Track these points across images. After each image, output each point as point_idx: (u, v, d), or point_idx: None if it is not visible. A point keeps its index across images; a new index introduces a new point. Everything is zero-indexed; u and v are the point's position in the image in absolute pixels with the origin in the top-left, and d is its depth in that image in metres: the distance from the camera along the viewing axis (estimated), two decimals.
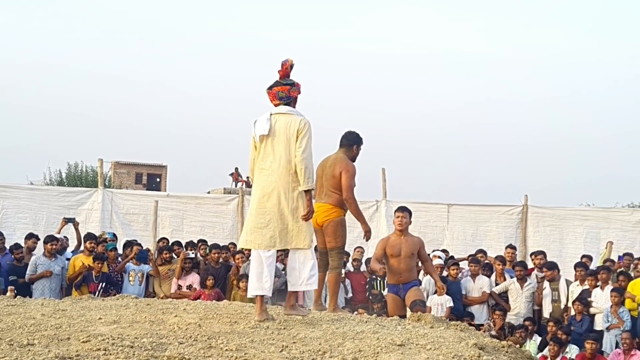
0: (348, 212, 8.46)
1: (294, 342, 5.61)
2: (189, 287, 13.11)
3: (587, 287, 12.76)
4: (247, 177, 54.59)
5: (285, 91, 6.93)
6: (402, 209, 9.77)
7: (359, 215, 8.41)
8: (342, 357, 5.11)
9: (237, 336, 5.70)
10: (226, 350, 5.14)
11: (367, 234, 8.47)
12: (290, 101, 6.98)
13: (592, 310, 12.46)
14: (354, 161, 8.57)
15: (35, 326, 5.74)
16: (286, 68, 6.95)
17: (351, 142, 8.59)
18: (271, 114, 6.88)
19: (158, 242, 15.29)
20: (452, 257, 15.05)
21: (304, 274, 6.93)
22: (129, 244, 14.19)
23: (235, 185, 50.68)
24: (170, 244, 14.66)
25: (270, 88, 6.95)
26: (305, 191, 6.78)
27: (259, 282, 6.76)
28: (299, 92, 7.06)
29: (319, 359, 5.08)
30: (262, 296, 6.73)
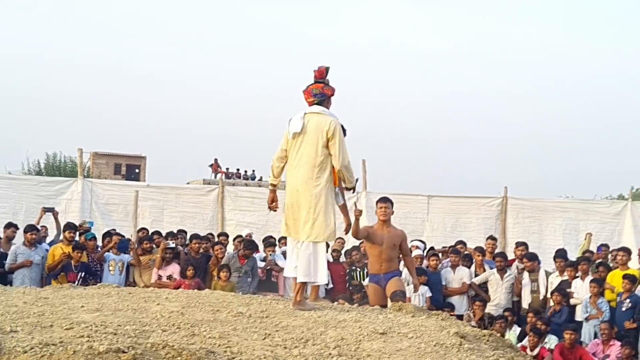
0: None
1: (276, 330, 5.62)
2: (169, 277, 13.08)
3: (566, 277, 12.84)
4: (227, 168, 54.58)
5: (319, 88, 7.34)
6: (385, 200, 9.77)
7: (342, 208, 8.40)
8: (324, 345, 5.13)
9: (219, 324, 5.71)
10: (209, 337, 5.14)
11: (348, 228, 8.42)
12: (324, 99, 7.38)
13: (572, 301, 12.54)
14: None
15: (18, 314, 5.71)
16: (322, 71, 7.41)
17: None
18: (305, 113, 7.29)
19: (138, 232, 15.25)
20: (432, 248, 15.11)
21: (320, 266, 7.32)
22: (108, 234, 14.15)
23: (215, 176, 50.62)
24: (150, 234, 14.64)
25: (306, 88, 7.39)
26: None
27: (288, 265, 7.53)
28: (333, 93, 7.46)
29: (301, 347, 5.09)
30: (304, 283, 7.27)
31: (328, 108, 7.45)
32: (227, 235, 15.12)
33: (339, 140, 7.25)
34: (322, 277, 7.41)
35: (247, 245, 13.67)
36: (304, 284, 7.34)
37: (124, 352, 4.24)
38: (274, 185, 7.69)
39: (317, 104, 7.37)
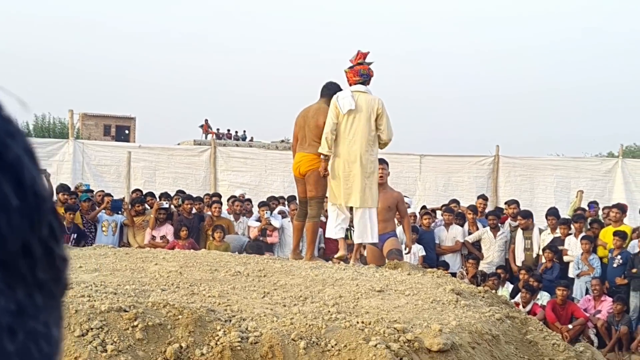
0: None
1: (275, 289, 5.66)
2: (163, 237, 13.13)
3: (558, 235, 12.93)
4: (218, 129, 54.41)
5: (366, 70, 8.13)
6: (381, 162, 9.79)
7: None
8: (323, 303, 5.17)
9: (218, 283, 5.74)
10: (209, 296, 5.18)
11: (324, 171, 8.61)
12: (368, 79, 8.18)
13: (566, 258, 12.64)
14: None
15: None
16: (366, 54, 8.14)
17: (331, 93, 8.58)
18: (352, 92, 8.04)
19: (132, 193, 15.26)
20: (424, 207, 15.17)
21: (374, 228, 8.39)
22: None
23: (206, 137, 50.41)
24: (143, 195, 14.66)
25: (351, 67, 8.11)
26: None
27: (342, 229, 8.50)
28: (373, 75, 8.27)
29: (300, 305, 5.13)
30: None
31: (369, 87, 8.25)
32: (219, 196, 15.14)
33: (386, 116, 8.14)
34: (375, 237, 8.52)
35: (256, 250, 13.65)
36: (360, 244, 8.66)
37: (125, 310, 4.27)
38: (327, 156, 8.21)
39: (361, 83, 8.12)
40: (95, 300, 4.59)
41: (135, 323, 4.19)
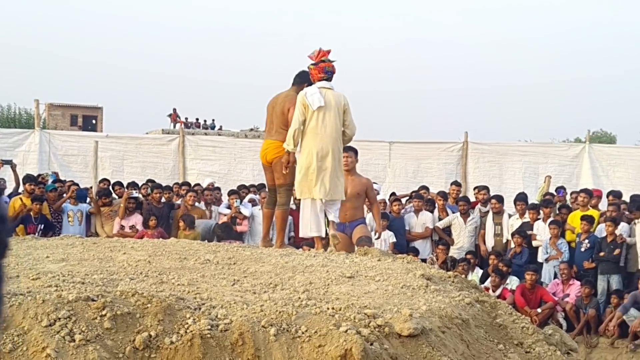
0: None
1: (245, 277, 5.63)
2: (132, 227, 13.04)
3: (527, 220, 13.02)
4: (186, 118, 54.12)
5: (330, 67, 8.28)
6: (347, 149, 9.76)
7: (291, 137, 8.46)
8: (293, 290, 5.15)
9: (187, 271, 5.70)
10: (178, 285, 5.14)
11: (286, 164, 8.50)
12: (331, 76, 8.31)
13: (535, 243, 12.74)
14: None
15: None
16: (329, 51, 8.27)
17: (303, 81, 8.60)
18: (319, 88, 8.15)
19: (99, 182, 15.13)
20: (393, 193, 15.18)
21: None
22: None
23: (174, 126, 50.16)
24: (111, 185, 14.56)
25: (315, 64, 8.22)
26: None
27: (317, 225, 8.40)
28: (336, 72, 8.42)
29: (270, 292, 5.10)
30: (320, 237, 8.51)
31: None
32: (189, 185, 15.07)
33: (350, 112, 8.41)
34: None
35: (224, 229, 13.66)
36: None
37: (93, 300, 4.23)
38: (292, 150, 8.27)
39: (325, 79, 8.23)
40: (62, 290, 4.54)
41: (104, 312, 4.15)
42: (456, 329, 4.82)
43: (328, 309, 4.52)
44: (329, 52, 8.32)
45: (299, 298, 4.84)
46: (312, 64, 8.30)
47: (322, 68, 8.26)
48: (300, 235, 9.00)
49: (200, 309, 4.45)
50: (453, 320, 4.87)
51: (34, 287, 4.73)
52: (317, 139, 8.21)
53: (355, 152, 9.81)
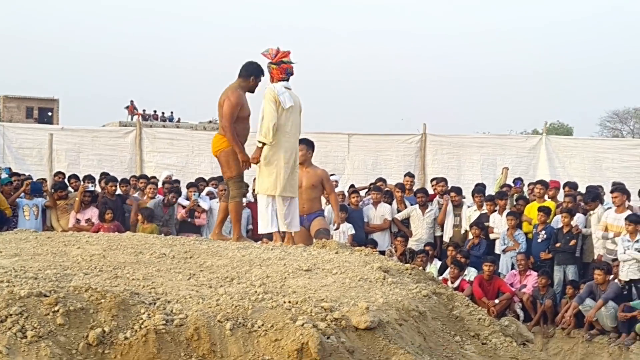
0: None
1: (201, 271, 5.59)
2: (88, 220, 12.90)
3: (485, 211, 13.10)
4: (144, 110, 53.72)
5: (291, 68, 8.45)
6: (301, 141, 9.74)
7: (235, 144, 8.43)
8: (250, 283, 5.12)
9: (143, 266, 5.64)
10: (133, 279, 5.08)
11: (245, 164, 8.51)
12: (289, 77, 8.47)
13: (492, 236, 12.81)
14: (252, 92, 8.62)
15: None
16: (285, 54, 8.39)
17: (249, 73, 8.54)
18: (285, 88, 8.37)
19: (54, 176, 14.95)
20: (352, 185, 15.17)
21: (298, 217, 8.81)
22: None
23: (132, 119, 49.79)
24: (66, 178, 14.39)
25: (278, 64, 8.35)
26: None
27: (283, 220, 8.51)
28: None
29: (227, 286, 5.06)
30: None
31: None
32: (147, 178, 14.93)
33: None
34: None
35: (172, 189, 13.67)
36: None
37: (45, 295, 4.16)
38: (265, 145, 8.32)
39: (285, 80, 8.40)
40: (14, 286, 4.46)
41: (56, 308, 4.08)
42: (413, 322, 4.82)
43: (284, 302, 4.50)
44: (289, 53, 8.43)
45: (256, 292, 4.81)
46: (273, 64, 8.37)
47: (285, 69, 8.40)
48: (259, 232, 9.03)
49: (155, 303, 4.40)
50: (410, 313, 4.87)
51: None
52: (287, 137, 8.40)
53: (310, 144, 9.80)
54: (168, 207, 13.41)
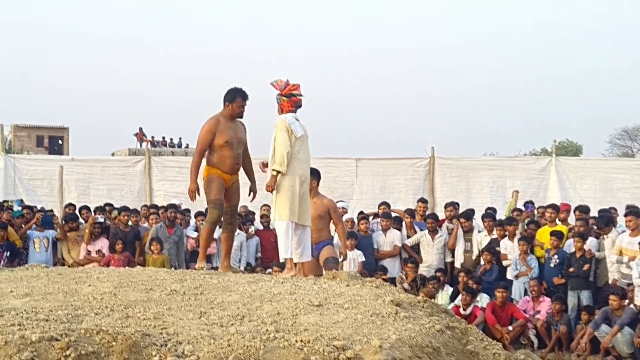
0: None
1: (211, 308, 5.55)
2: (99, 251, 12.91)
3: (495, 236, 13.03)
4: (152, 137, 53.85)
5: (301, 101, 8.71)
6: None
7: (190, 172, 8.82)
8: (261, 321, 5.08)
9: (154, 304, 5.61)
10: (144, 319, 5.05)
11: (189, 194, 8.87)
12: (298, 109, 8.73)
13: (505, 262, 12.72)
14: (238, 117, 8.84)
15: None
16: (296, 86, 8.65)
17: (224, 100, 8.80)
18: (296, 119, 8.61)
19: (65, 207, 14.97)
20: (361, 212, 15.11)
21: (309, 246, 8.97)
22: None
23: (140, 145, 49.93)
24: (77, 209, 14.42)
25: (288, 97, 8.61)
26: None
27: (297, 249, 8.70)
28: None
29: (238, 324, 5.03)
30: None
31: None
32: (157, 208, 14.93)
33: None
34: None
35: (169, 207, 13.71)
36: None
37: (57, 339, 4.15)
38: (280, 173, 8.46)
39: (294, 112, 8.63)
40: (25, 329, 4.45)
41: (68, 352, 4.06)
42: (427, 358, 4.78)
43: (296, 341, 4.46)
44: (299, 86, 8.67)
45: (267, 330, 4.78)
46: (283, 96, 8.62)
47: (294, 102, 8.65)
48: (281, 259, 9.00)
49: (166, 345, 4.38)
50: (424, 349, 4.82)
51: None
52: (300, 165, 8.59)
53: (316, 174, 9.80)
54: (173, 227, 13.36)
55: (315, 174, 9.78)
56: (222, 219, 8.98)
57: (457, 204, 14.54)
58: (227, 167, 8.77)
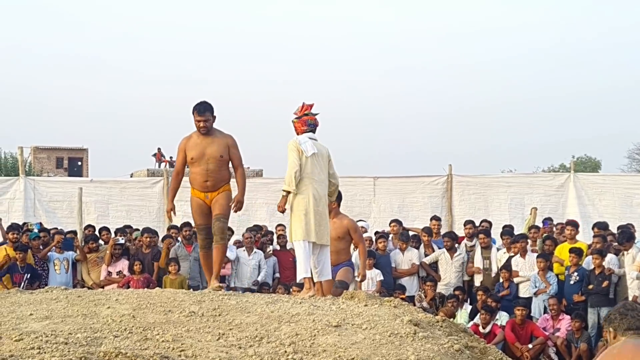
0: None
1: (230, 329, 5.58)
2: (119, 273, 12.98)
3: (513, 254, 12.98)
4: (170, 157, 53.98)
5: (313, 120, 8.74)
6: None
7: (168, 192, 9.11)
8: (279, 342, 5.10)
9: (172, 326, 5.64)
10: (163, 341, 5.08)
11: (167, 213, 9.28)
12: (314, 128, 8.77)
13: (516, 279, 12.67)
14: (202, 132, 8.76)
15: None
16: (311, 105, 8.74)
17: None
18: (310, 138, 8.62)
19: (84, 229, 15.03)
20: (377, 232, 15.04)
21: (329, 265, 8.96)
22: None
23: (159, 166, 50.09)
24: (97, 231, 14.49)
25: (298, 118, 8.71)
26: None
27: (315, 268, 8.70)
28: (319, 124, 8.92)
29: (256, 346, 5.06)
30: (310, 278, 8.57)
31: None
32: (177, 228, 14.97)
33: (333, 164, 8.94)
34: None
35: (183, 226, 13.74)
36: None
37: None
38: (289, 193, 8.53)
39: (309, 132, 8.69)
40: (45, 353, 4.50)
41: None
42: None
43: None
44: (311, 106, 8.75)
45: (285, 352, 4.80)
46: (295, 118, 8.74)
47: (305, 121, 8.70)
48: (298, 280, 9.04)
49: None
50: None
51: (17, 349, 4.68)
52: (313, 184, 8.56)
53: (338, 195, 9.76)
54: (191, 244, 13.42)
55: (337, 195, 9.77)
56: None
57: (474, 222, 14.45)
58: (197, 184, 8.85)
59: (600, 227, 13.35)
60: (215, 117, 8.80)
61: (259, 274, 13.75)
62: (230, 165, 8.98)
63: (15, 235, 12.90)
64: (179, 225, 14.40)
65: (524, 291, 12.62)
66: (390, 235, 14.18)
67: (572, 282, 12.11)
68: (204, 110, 8.66)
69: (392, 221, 14.96)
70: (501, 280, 12.74)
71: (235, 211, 9.01)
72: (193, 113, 8.66)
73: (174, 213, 9.03)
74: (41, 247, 13.20)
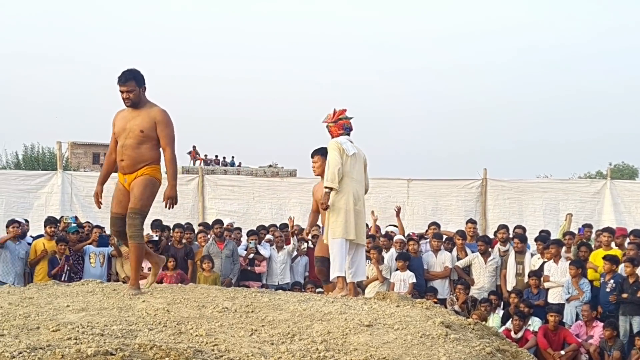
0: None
1: (262, 326, 5.62)
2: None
3: (546, 260, 12.91)
4: (205, 155, 54.34)
5: (349, 124, 8.97)
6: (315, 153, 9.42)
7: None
8: (311, 340, 5.14)
9: (206, 321, 5.70)
10: (196, 335, 5.14)
11: (94, 197, 8.12)
12: (349, 132, 8.96)
13: (547, 284, 12.60)
14: (128, 104, 7.59)
15: (4, 316, 5.67)
16: (341, 112, 8.94)
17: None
18: (349, 140, 8.85)
19: None
20: (408, 235, 15.05)
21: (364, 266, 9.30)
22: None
23: (194, 164, 50.38)
24: None
25: (334, 122, 8.90)
26: None
27: (350, 268, 8.77)
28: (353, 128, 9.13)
29: (288, 342, 5.10)
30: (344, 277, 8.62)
31: None
32: (207, 225, 15.08)
33: (368, 167, 9.18)
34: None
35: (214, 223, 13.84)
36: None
37: (112, 354, 4.24)
38: (332, 189, 8.61)
39: (345, 134, 8.89)
40: (81, 343, 4.57)
41: None
42: None
43: None
44: (345, 110, 8.97)
45: (317, 349, 4.83)
46: (332, 122, 8.95)
47: (342, 125, 8.91)
48: (331, 278, 8.87)
49: None
50: None
51: (54, 339, 4.75)
52: (353, 183, 8.75)
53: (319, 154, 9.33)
54: (223, 241, 13.52)
55: (319, 155, 9.38)
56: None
57: (507, 226, 14.38)
58: (118, 165, 7.68)
59: (637, 235, 13.23)
60: (144, 87, 7.51)
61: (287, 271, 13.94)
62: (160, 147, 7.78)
63: (52, 229, 13.07)
64: (210, 223, 14.54)
65: (554, 297, 12.54)
66: (428, 238, 14.16)
67: (608, 290, 12.01)
68: (125, 79, 7.36)
69: (430, 224, 14.97)
70: (530, 286, 12.67)
71: (169, 208, 8.09)
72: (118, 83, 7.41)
73: (100, 198, 7.98)
74: (77, 241, 13.37)
